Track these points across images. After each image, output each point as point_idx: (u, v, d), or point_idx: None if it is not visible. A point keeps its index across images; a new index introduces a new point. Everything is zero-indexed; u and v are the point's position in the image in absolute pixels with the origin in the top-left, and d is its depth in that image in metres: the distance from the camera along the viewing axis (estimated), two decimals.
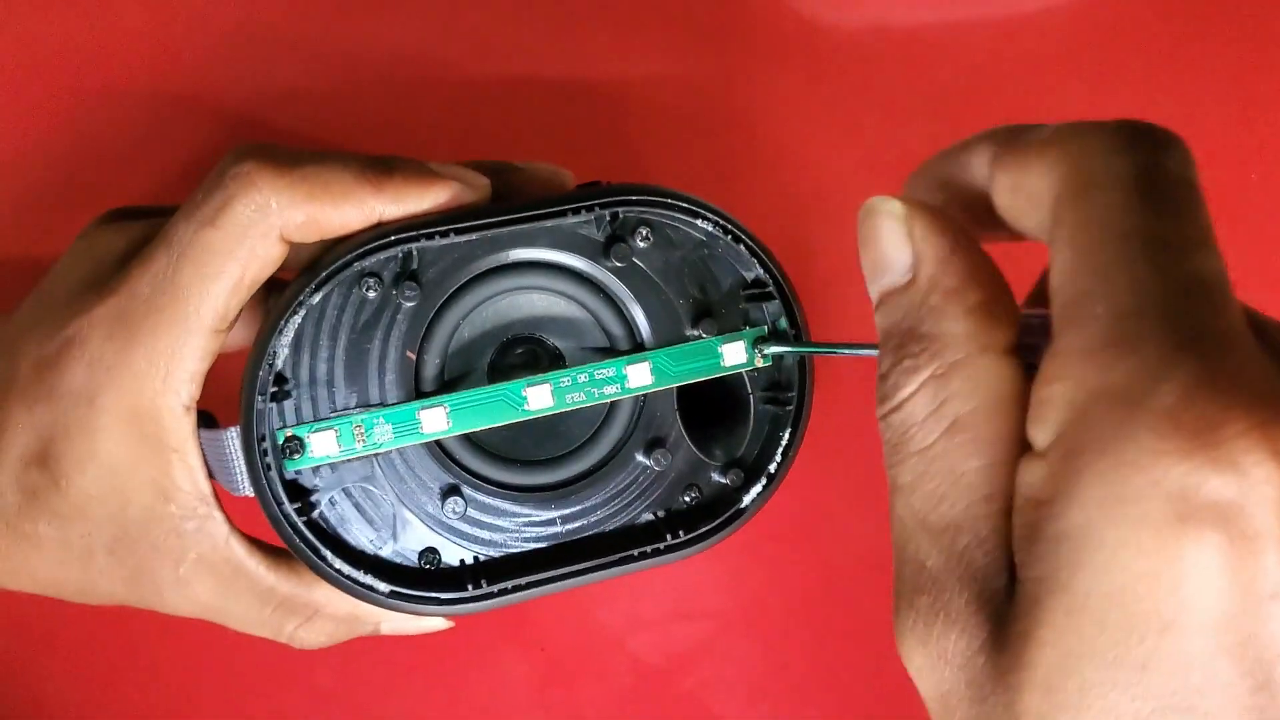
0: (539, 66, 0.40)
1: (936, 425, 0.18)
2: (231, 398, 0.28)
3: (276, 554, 0.29)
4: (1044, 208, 0.18)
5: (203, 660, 0.38)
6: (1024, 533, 0.17)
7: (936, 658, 0.18)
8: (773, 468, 0.29)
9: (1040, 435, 0.17)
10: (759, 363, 0.30)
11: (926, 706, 0.18)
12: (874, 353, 0.20)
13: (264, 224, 0.26)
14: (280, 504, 0.27)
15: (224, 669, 0.38)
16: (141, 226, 0.29)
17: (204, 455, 0.28)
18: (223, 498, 0.28)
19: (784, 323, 0.29)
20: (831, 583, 0.41)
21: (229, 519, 0.28)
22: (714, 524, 0.29)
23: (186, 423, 0.27)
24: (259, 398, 0.26)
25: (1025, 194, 0.18)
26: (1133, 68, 0.42)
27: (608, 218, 0.28)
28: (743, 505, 0.29)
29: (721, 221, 0.29)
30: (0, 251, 0.36)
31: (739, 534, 0.41)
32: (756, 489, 0.29)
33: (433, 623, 0.31)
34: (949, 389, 0.18)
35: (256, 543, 0.29)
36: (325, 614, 0.29)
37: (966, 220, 0.20)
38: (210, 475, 0.28)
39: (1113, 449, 0.15)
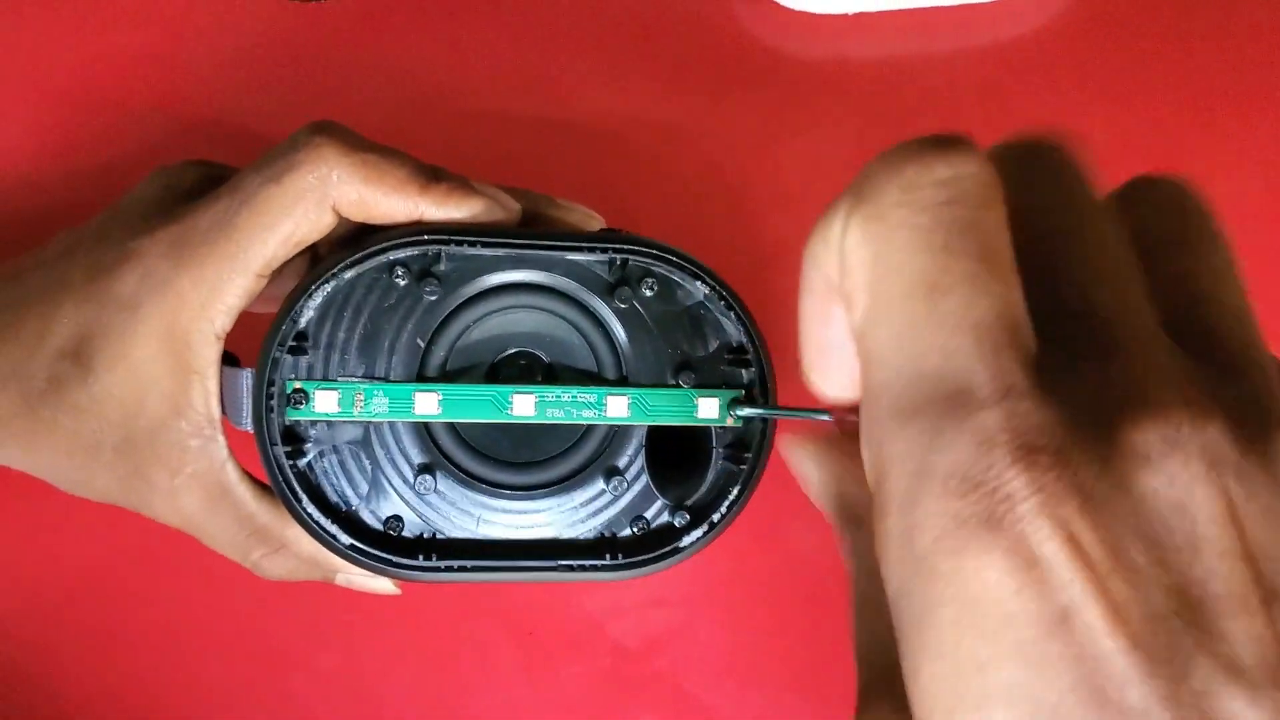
0: (513, 101, 0.44)
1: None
2: (255, 351, 0.31)
3: (262, 488, 0.32)
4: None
5: (208, 642, 0.41)
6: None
7: None
8: (716, 517, 0.32)
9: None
10: (729, 422, 0.32)
11: None
12: (828, 417, 0.23)
13: (321, 192, 0.29)
14: (274, 444, 0.30)
15: (229, 652, 0.42)
16: (216, 170, 0.32)
17: (221, 385, 0.31)
18: (228, 432, 0.32)
19: (756, 390, 0.32)
20: (792, 572, 0.44)
21: (229, 447, 0.32)
22: (651, 555, 0.32)
23: (213, 349, 0.30)
24: (278, 348, 0.30)
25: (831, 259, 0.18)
26: (1090, 96, 0.45)
27: (619, 262, 0.31)
28: (681, 545, 0.32)
29: (717, 287, 0.32)
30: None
31: None
32: (697, 533, 0.32)
33: (382, 584, 0.33)
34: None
35: (248, 474, 0.32)
36: (290, 551, 0.32)
37: None
38: (222, 405, 0.31)
39: (898, 509, 0.16)
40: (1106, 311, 0.17)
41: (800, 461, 0.23)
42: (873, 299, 0.16)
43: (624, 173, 0.44)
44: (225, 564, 0.40)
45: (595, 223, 0.35)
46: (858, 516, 0.21)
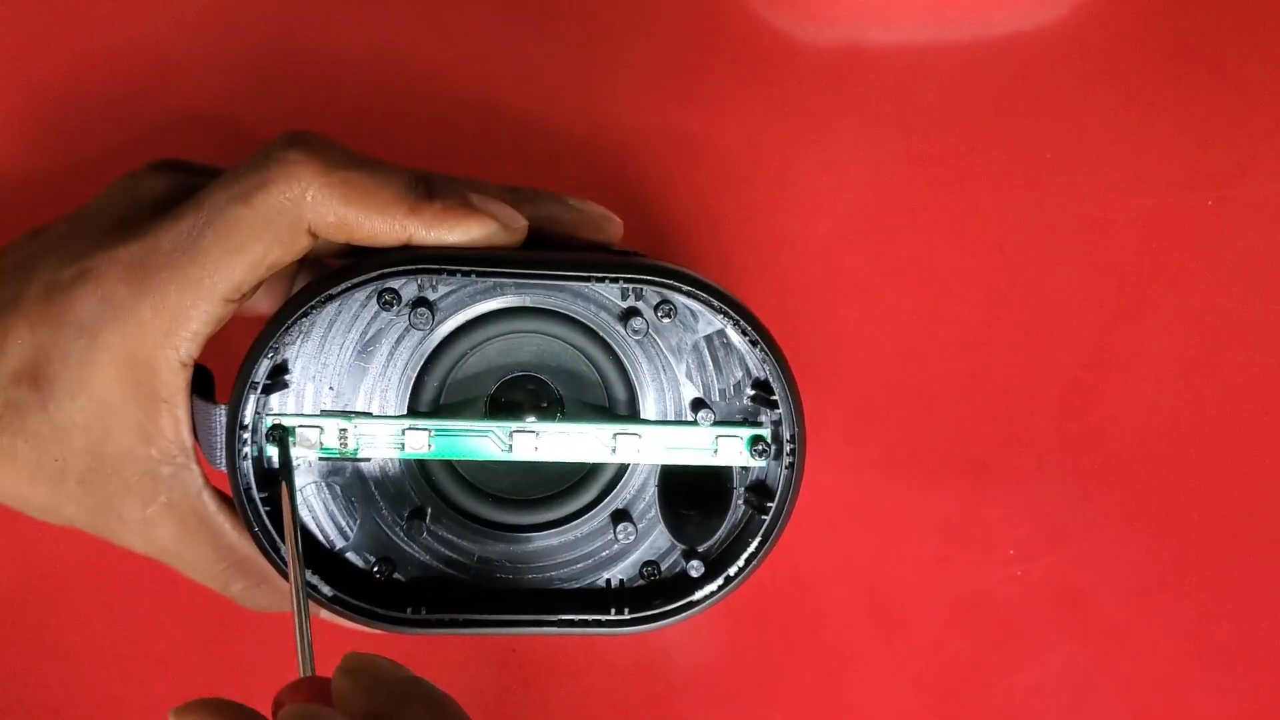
0: (503, 90, 0.39)
1: None
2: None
3: None
4: None
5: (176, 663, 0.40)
6: None
7: None
8: (733, 571, 0.29)
9: None
10: (752, 463, 0.29)
11: None
12: None
13: (294, 214, 0.26)
14: (249, 489, 0.27)
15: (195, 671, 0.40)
16: (186, 179, 0.29)
17: (193, 418, 0.28)
18: (203, 458, 0.29)
19: (785, 432, 0.29)
20: (799, 587, 0.41)
21: (205, 474, 0.29)
22: (663, 610, 0.29)
23: (180, 377, 0.27)
24: (250, 389, 0.27)
25: None
26: (1106, 90, 0.42)
27: (632, 290, 0.28)
28: (695, 598, 0.29)
29: (743, 323, 0.28)
30: None
31: None
32: (713, 586, 0.29)
33: None
34: None
35: (227, 500, 0.30)
36: (272, 584, 0.30)
37: None
38: (195, 434, 0.28)
39: None
40: None
41: None
42: None
43: (622, 167, 0.40)
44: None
45: (613, 225, 0.31)
46: None
